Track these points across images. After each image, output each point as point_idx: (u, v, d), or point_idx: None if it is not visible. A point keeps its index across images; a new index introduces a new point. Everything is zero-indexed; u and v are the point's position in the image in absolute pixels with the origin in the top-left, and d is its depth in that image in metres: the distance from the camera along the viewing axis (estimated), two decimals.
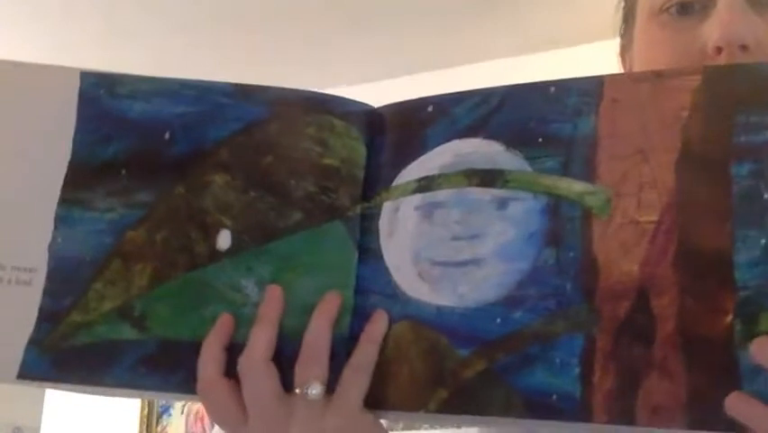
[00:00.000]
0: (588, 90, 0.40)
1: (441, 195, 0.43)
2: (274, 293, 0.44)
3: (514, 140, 0.41)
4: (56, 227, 0.43)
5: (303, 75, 3.03)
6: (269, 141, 0.46)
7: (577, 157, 0.39)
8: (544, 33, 2.65)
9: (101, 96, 0.44)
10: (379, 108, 0.48)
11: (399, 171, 0.45)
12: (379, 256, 0.45)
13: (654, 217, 0.37)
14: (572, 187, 0.39)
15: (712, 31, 0.49)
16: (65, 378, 0.44)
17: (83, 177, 0.44)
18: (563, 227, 0.39)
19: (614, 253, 0.38)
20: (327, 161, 0.46)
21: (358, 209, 0.46)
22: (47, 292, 0.43)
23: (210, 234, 0.45)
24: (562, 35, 2.66)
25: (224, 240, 0.45)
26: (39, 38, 2.62)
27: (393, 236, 0.45)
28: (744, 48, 0.48)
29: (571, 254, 0.39)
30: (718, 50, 0.48)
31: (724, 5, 0.49)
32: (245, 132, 0.45)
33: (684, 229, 0.36)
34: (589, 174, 0.39)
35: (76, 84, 0.43)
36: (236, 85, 0.46)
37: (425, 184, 0.44)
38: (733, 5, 0.49)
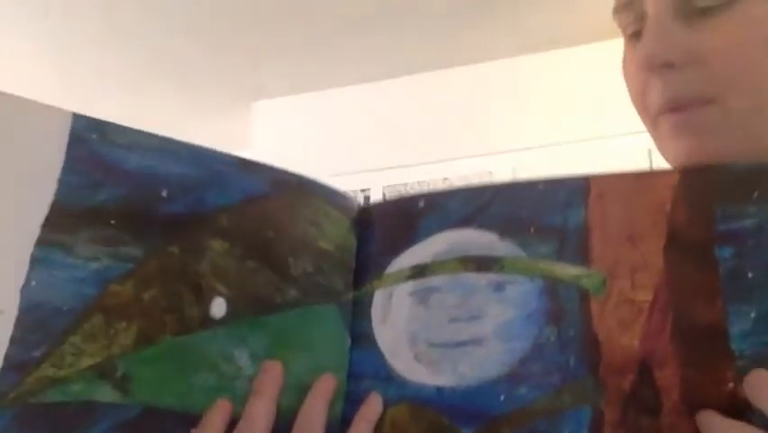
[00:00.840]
0: (575, 187, 0.41)
1: (436, 280, 0.44)
2: (274, 368, 0.43)
3: (507, 230, 0.43)
4: (31, 268, 0.39)
5: (303, 75, 3.03)
6: (270, 216, 0.45)
7: (569, 244, 0.41)
8: (543, 33, 2.66)
9: (93, 141, 0.41)
10: (367, 205, 0.49)
11: (390, 261, 0.46)
12: (371, 341, 0.45)
13: (649, 297, 0.39)
14: (568, 270, 0.41)
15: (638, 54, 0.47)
16: None
17: (66, 219, 0.40)
18: (562, 307, 0.40)
19: (614, 330, 0.39)
20: (323, 244, 0.46)
21: (350, 296, 0.46)
22: (15, 339, 0.38)
23: (204, 299, 0.43)
24: (561, 35, 2.66)
25: (218, 308, 0.43)
26: (39, 38, 2.62)
27: (386, 321, 0.45)
28: (669, 65, 0.46)
29: (572, 332, 0.40)
30: (648, 70, 0.47)
31: (648, 24, 0.47)
32: (246, 203, 0.45)
33: (678, 306, 0.38)
34: (582, 259, 0.40)
35: (67, 124, 0.41)
36: (238, 157, 0.46)
37: (419, 271, 0.44)
38: (655, 22, 0.46)
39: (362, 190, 2.97)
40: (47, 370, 0.39)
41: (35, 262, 0.39)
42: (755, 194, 0.38)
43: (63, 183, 0.40)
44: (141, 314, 0.41)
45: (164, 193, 0.43)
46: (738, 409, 0.36)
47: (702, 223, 0.38)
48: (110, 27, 2.58)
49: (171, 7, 2.46)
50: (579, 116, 2.63)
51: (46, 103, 0.40)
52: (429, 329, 0.43)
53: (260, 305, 0.44)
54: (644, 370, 0.38)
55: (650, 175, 0.41)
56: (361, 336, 0.46)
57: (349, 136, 3.01)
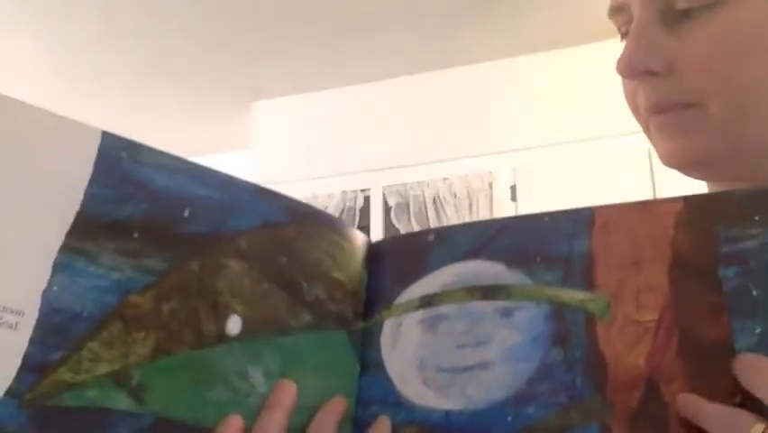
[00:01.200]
0: (579, 218, 0.43)
1: (444, 309, 0.45)
2: (288, 386, 0.44)
3: (514, 260, 0.44)
4: (53, 273, 0.40)
5: (303, 75, 3.03)
6: (287, 242, 0.47)
7: (575, 271, 0.42)
8: (543, 34, 2.66)
9: (122, 158, 0.43)
10: (377, 241, 0.51)
11: (400, 292, 0.47)
12: (381, 368, 0.46)
13: (654, 317, 0.40)
14: (573, 295, 0.42)
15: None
16: None
17: (91, 228, 0.42)
18: (568, 329, 0.42)
19: (620, 350, 0.40)
20: (336, 274, 0.48)
21: (360, 326, 0.48)
22: (35, 341, 0.39)
23: (220, 316, 0.44)
24: (561, 36, 2.66)
25: (233, 325, 0.44)
26: (39, 38, 2.62)
27: (396, 348, 0.46)
28: (652, 73, 0.46)
29: (578, 353, 0.41)
30: (630, 77, 0.47)
31: (630, 31, 0.47)
32: (264, 228, 0.46)
33: (684, 325, 0.39)
34: (587, 285, 0.42)
35: (96, 141, 0.42)
36: (257, 185, 0.47)
37: (428, 301, 0.46)
38: (637, 28, 0.46)
39: (362, 190, 2.97)
40: (64, 374, 0.40)
41: (58, 267, 0.40)
42: (757, 217, 0.39)
43: (90, 195, 0.42)
44: (159, 325, 0.42)
45: (186, 213, 0.44)
46: None
47: (706, 246, 0.40)
48: (110, 27, 2.58)
49: (171, 7, 2.46)
50: (579, 116, 2.63)
51: (73, 118, 0.42)
52: (437, 355, 0.44)
53: (275, 325, 0.46)
54: (651, 386, 0.39)
55: (653, 204, 0.42)
56: (369, 364, 0.47)
57: (349, 136, 3.01)
